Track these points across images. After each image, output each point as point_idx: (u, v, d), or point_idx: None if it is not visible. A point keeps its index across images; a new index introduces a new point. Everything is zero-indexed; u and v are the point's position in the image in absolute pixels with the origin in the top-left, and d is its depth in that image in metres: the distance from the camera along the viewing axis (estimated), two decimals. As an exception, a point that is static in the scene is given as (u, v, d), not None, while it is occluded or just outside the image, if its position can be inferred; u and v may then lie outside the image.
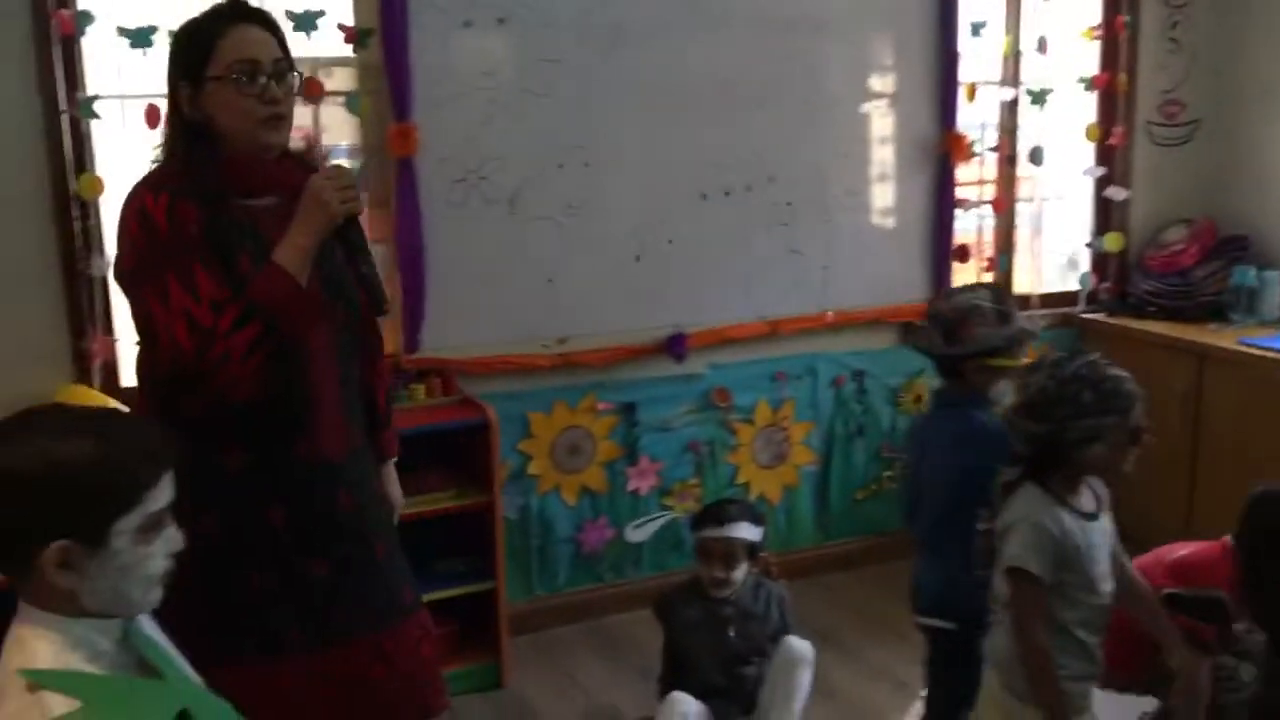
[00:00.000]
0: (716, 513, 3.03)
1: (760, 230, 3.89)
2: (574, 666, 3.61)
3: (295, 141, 2.29)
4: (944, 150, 4.10)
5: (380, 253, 3.44)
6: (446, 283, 3.49)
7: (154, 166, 2.10)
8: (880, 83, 4.01)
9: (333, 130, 3.45)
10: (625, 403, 3.83)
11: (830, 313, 4.05)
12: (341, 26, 3.26)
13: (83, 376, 3.13)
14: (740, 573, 3.00)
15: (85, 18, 2.98)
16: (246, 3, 2.09)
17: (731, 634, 2.98)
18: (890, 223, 4.14)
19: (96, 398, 3.04)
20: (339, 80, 3.39)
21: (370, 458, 2.27)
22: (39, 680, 1.24)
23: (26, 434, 1.29)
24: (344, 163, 2.34)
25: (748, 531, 3.01)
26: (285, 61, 2.05)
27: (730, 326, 3.91)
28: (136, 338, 2.05)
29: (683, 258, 3.80)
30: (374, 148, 3.43)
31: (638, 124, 3.66)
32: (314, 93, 3.26)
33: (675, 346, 3.80)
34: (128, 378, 3.14)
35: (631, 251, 3.73)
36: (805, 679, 2.95)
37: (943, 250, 4.20)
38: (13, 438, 1.29)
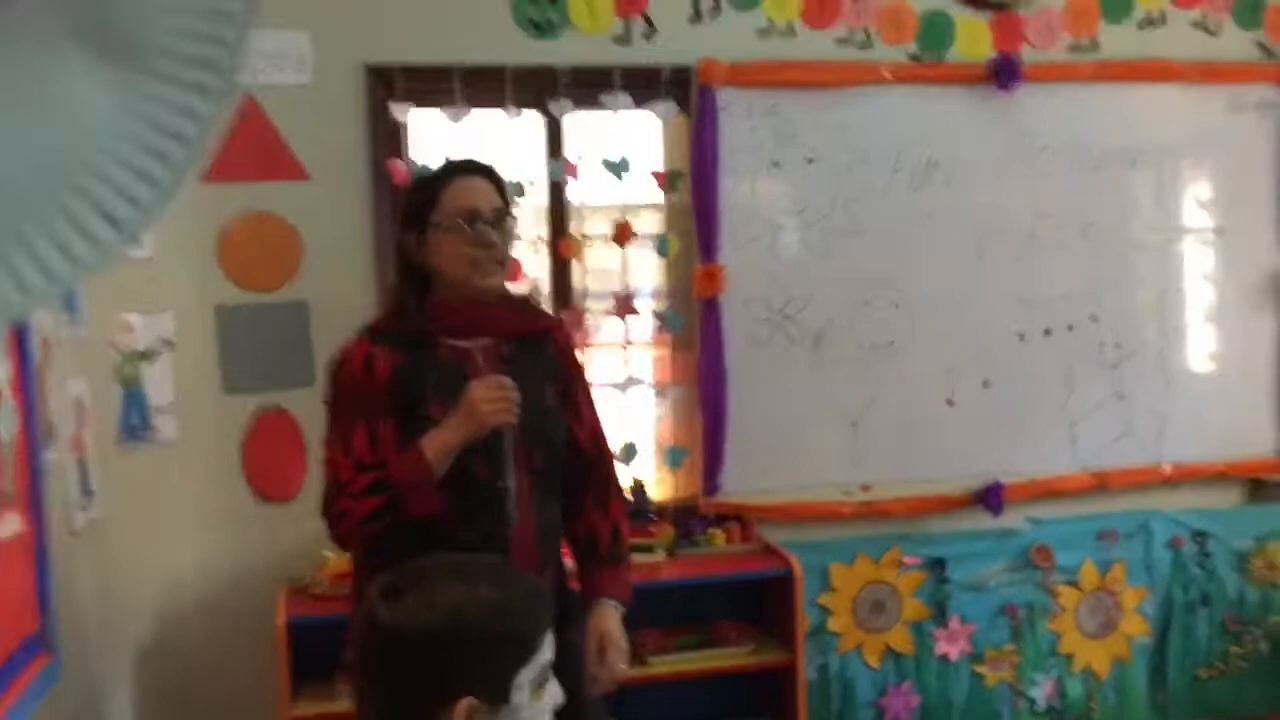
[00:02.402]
0: None
1: (1085, 373, 3.58)
2: None
3: (518, 288, 2.39)
4: (1292, 285, 3.68)
5: (682, 393, 3.39)
6: (748, 425, 3.38)
7: (377, 315, 2.25)
8: (1214, 214, 3.67)
9: (639, 274, 3.47)
10: (934, 558, 3.55)
11: (1168, 466, 3.65)
12: (654, 174, 3.29)
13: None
14: None
15: (419, 169, 3.14)
16: (473, 159, 2.21)
17: None
18: (1233, 367, 3.72)
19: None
20: (647, 224, 3.41)
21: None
22: None
23: (424, 591, 1.22)
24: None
25: None
26: (504, 209, 2.14)
27: (1052, 478, 3.58)
28: None
29: (999, 402, 3.53)
30: (679, 289, 3.41)
31: (949, 261, 3.48)
32: (623, 238, 3.28)
33: (991, 498, 3.51)
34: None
35: (943, 394, 3.51)
36: None
37: (1296, 398, 3.73)
38: (409, 595, 1.22)
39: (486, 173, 2.15)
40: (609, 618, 2.18)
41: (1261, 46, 3.66)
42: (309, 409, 3.13)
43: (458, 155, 2.33)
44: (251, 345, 3.11)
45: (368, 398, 2.06)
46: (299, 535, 3.11)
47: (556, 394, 2.18)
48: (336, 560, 2.99)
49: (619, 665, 2.16)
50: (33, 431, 2.08)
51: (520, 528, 2.09)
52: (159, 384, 2.93)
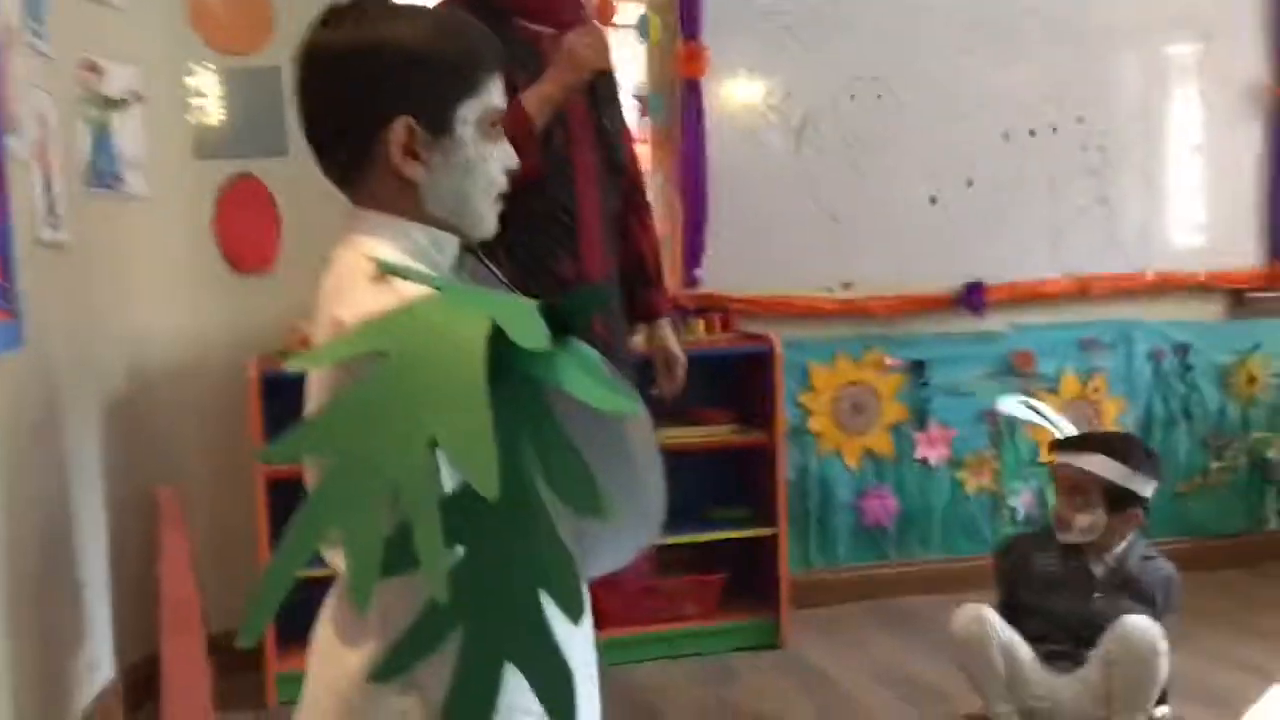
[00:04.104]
0: (1076, 438, 2.60)
1: (1069, 176, 3.55)
2: (861, 636, 3.25)
3: None
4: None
5: (661, 184, 3.34)
6: (728, 217, 3.34)
7: None
8: (1207, 23, 3.64)
9: (621, 67, 3.41)
10: (915, 360, 3.52)
11: (1150, 274, 3.63)
12: (636, -52, 3.25)
13: (371, 289, 3.14)
14: (1089, 520, 2.46)
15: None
16: None
17: (1097, 598, 2.46)
18: (1218, 178, 3.70)
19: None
20: (629, 13, 3.36)
21: (618, 292, 2.31)
22: (389, 269, 1.09)
23: (362, 16, 1.19)
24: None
25: (1108, 470, 2.47)
26: None
27: (1034, 283, 3.56)
28: None
29: (982, 202, 3.50)
30: (660, 77, 3.36)
31: (935, 57, 3.44)
32: (606, 17, 3.22)
33: (973, 298, 3.48)
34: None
35: (926, 192, 3.48)
36: (1165, 669, 2.37)
37: (1280, 212, 3.72)
38: (347, 19, 1.18)
39: None
40: (668, 336, 2.41)
41: None
42: (283, 179, 3.09)
43: None
44: (224, 110, 3.04)
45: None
46: (273, 309, 3.06)
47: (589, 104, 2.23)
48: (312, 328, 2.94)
49: (681, 376, 2.40)
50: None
51: (588, 206, 2.17)
52: (130, 137, 2.86)
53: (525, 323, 0.99)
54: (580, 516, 0.94)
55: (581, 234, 2.18)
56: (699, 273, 3.34)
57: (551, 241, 2.16)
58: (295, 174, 3.08)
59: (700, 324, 3.30)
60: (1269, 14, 3.67)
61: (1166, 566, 2.55)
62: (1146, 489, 2.50)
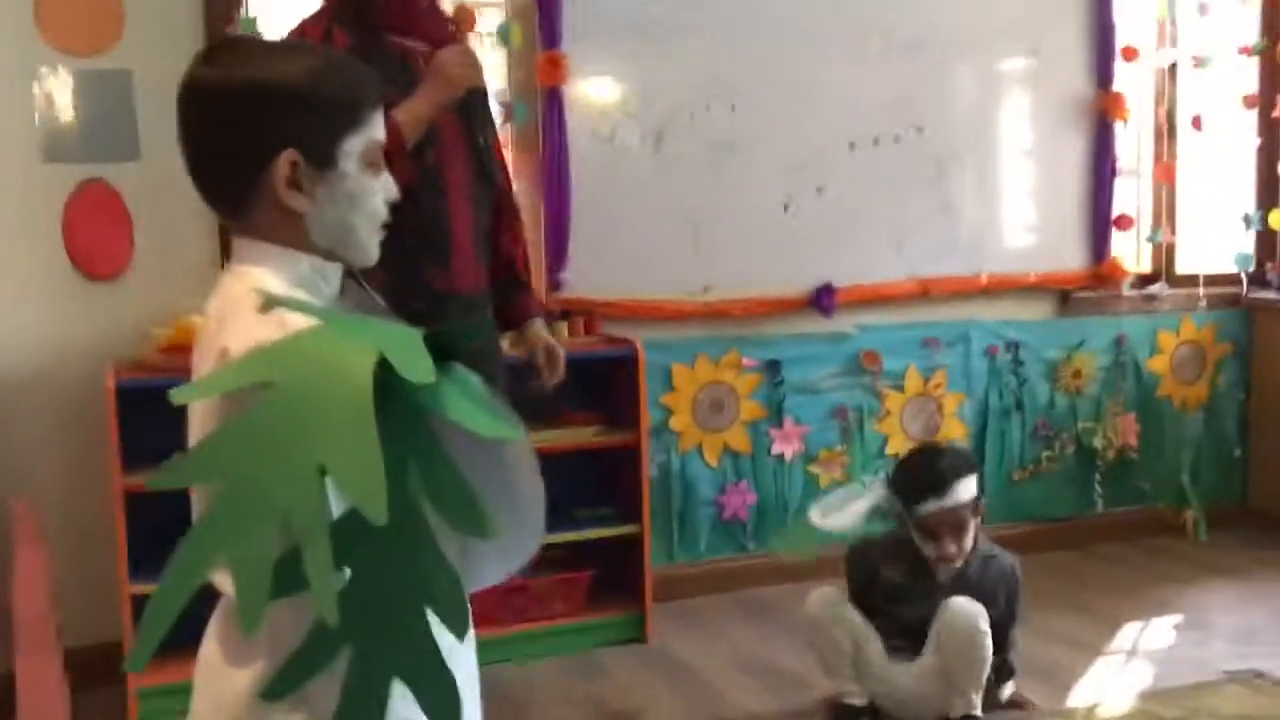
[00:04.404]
0: (932, 478, 2.57)
1: (910, 184, 3.75)
2: (722, 627, 3.38)
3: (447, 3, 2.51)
4: (1101, 108, 3.94)
5: (524, 189, 3.39)
6: (591, 222, 3.41)
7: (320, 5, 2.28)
8: (1029, 37, 3.88)
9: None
10: (770, 360, 3.67)
11: (985, 276, 3.86)
12: (495, -44, 3.29)
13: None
14: (969, 540, 2.58)
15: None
16: None
17: (941, 603, 2.58)
18: (1047, 185, 3.96)
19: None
20: (490, 21, 3.39)
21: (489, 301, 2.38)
22: (274, 301, 1.13)
23: (245, 53, 1.22)
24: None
25: (973, 487, 2.58)
26: None
27: (880, 285, 3.75)
28: None
29: (831, 209, 3.67)
30: (522, 84, 3.41)
31: (784, 67, 3.58)
32: (466, 26, 3.25)
33: (823, 300, 3.65)
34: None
35: (779, 200, 3.62)
36: (988, 646, 2.54)
37: (1103, 218, 3.99)
38: (229, 56, 1.21)
39: None
40: (542, 332, 2.50)
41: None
42: (134, 184, 3.02)
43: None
44: (72, 114, 2.96)
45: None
46: (127, 315, 3.01)
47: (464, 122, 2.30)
48: (168, 335, 2.89)
49: (562, 369, 2.50)
50: None
51: (460, 219, 2.23)
52: (-30, 141, 2.76)
53: (411, 355, 1.05)
54: (464, 536, 1.00)
55: (453, 246, 2.24)
56: (563, 276, 3.41)
57: (423, 253, 2.21)
58: (147, 178, 3.03)
59: (565, 327, 3.37)
60: (1091, 32, 3.94)
61: (1005, 560, 2.70)
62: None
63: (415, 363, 1.04)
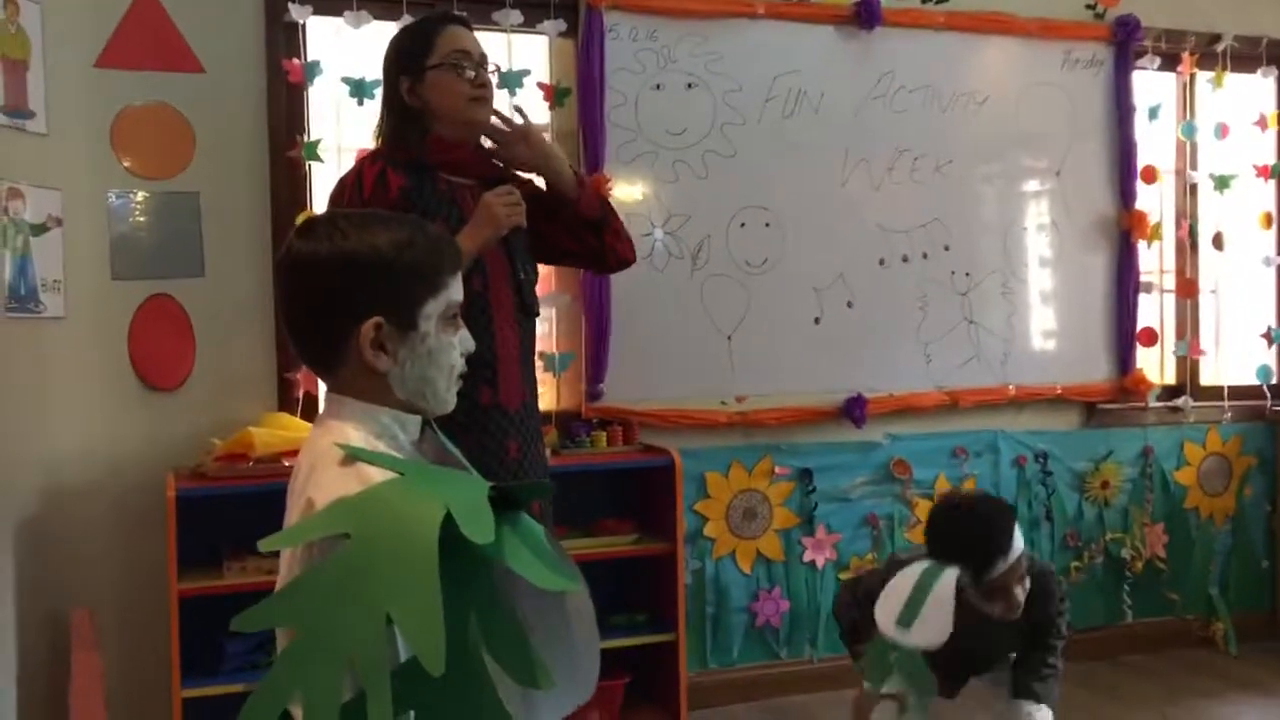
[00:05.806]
0: (992, 539, 2.33)
1: (938, 298, 3.87)
2: (752, 735, 3.42)
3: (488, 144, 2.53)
4: (1125, 228, 4.06)
5: (567, 303, 3.54)
6: (630, 335, 3.54)
7: (373, 148, 2.47)
8: (1053, 158, 4.02)
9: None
10: (802, 468, 3.76)
11: (1012, 388, 3.95)
12: (541, 85, 3.47)
13: (285, 405, 3.25)
14: (1026, 585, 2.40)
15: (314, 68, 3.24)
16: (454, 12, 2.49)
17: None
18: (1071, 300, 4.06)
19: (298, 425, 3.14)
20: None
21: (537, 416, 2.47)
22: (355, 455, 1.25)
23: (336, 227, 1.35)
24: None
25: (1017, 528, 2.40)
26: (486, 56, 2.44)
27: (910, 395, 3.84)
28: None
29: (862, 322, 3.79)
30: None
31: (816, 188, 3.73)
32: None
33: (854, 410, 3.74)
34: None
35: (811, 313, 3.74)
36: None
37: (1127, 331, 4.09)
38: (322, 229, 1.35)
39: (467, 24, 2.44)
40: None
41: (1090, 9, 4.05)
42: (198, 300, 3.19)
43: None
44: (141, 233, 3.14)
45: (389, 207, 2.24)
46: (186, 425, 3.15)
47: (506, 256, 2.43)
48: (225, 444, 3.03)
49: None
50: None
51: (505, 341, 2.34)
52: (48, 260, 2.93)
53: (474, 513, 1.16)
54: (519, 685, 1.10)
55: (499, 367, 2.35)
56: (601, 386, 3.53)
57: (472, 374, 2.32)
58: (210, 294, 3.20)
59: (603, 436, 3.48)
60: (1113, 152, 4.07)
61: (1038, 568, 2.55)
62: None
63: (478, 521, 1.15)
